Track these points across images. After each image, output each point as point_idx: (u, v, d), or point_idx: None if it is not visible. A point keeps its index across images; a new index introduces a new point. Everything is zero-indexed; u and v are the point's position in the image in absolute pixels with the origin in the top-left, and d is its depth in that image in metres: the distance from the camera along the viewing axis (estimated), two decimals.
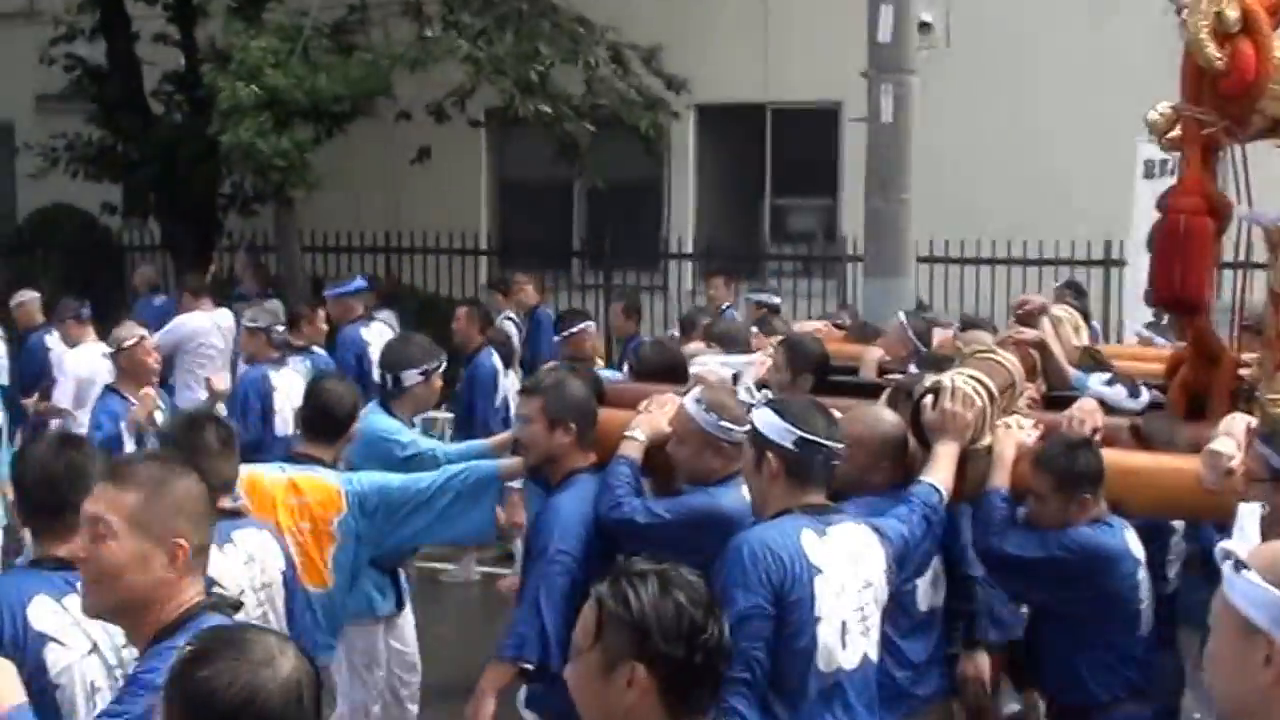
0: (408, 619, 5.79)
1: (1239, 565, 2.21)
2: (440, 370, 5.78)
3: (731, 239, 16.90)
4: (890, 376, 5.75)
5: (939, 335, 6.72)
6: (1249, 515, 2.26)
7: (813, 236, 17.36)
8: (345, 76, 13.19)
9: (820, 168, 16.78)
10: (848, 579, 3.75)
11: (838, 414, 4.47)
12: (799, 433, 3.78)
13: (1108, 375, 5.48)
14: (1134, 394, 5.33)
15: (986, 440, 4.51)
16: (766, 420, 3.85)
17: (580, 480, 4.49)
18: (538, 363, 10.46)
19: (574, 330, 7.46)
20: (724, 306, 10.57)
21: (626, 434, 4.57)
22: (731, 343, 6.65)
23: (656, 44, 14.59)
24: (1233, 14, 4.81)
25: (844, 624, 3.72)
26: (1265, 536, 4.26)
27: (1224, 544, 2.28)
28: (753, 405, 4.06)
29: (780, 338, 6.10)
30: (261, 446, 7.42)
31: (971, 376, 4.55)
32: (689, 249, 16.19)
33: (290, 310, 9.40)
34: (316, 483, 4.66)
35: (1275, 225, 5.28)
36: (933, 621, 4.49)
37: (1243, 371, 5.56)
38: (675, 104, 15.29)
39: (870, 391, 5.29)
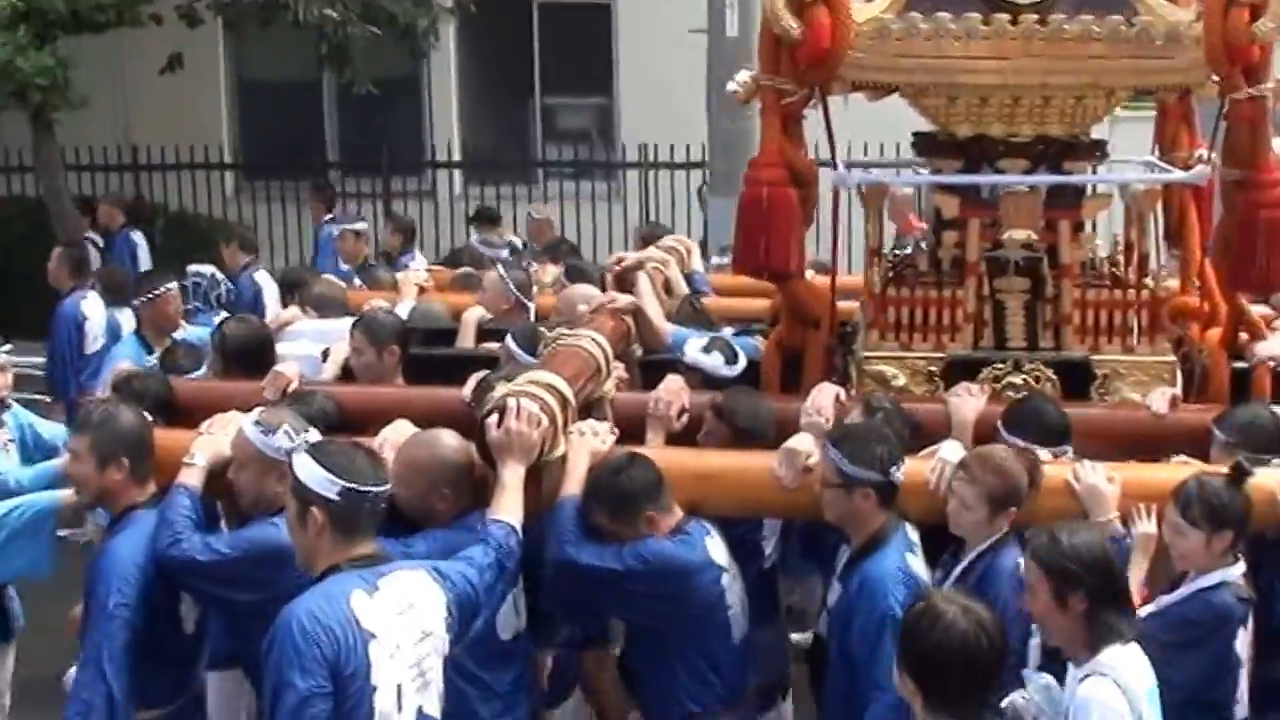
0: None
1: None
2: None
3: (500, 141, 16.87)
4: (487, 346, 5.80)
5: (551, 273, 6.74)
6: None
7: (588, 137, 17.45)
8: None
9: (593, 65, 16.80)
10: (402, 637, 3.70)
11: (406, 428, 4.55)
12: (342, 483, 3.67)
13: (705, 340, 5.53)
14: (731, 360, 5.41)
15: (560, 450, 4.49)
16: (308, 470, 3.71)
17: (138, 517, 4.39)
18: None
19: (155, 294, 7.06)
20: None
21: (185, 460, 4.47)
22: (328, 307, 6.51)
23: None
24: None
25: (399, 686, 3.67)
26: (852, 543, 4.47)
27: None
28: (294, 449, 3.95)
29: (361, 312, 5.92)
30: None
31: (542, 385, 4.52)
32: (455, 154, 16.11)
33: None
34: None
35: (865, 185, 5.55)
36: (516, 649, 4.45)
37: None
38: None
39: (464, 364, 5.30)
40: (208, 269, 8.84)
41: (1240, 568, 4.32)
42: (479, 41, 16.34)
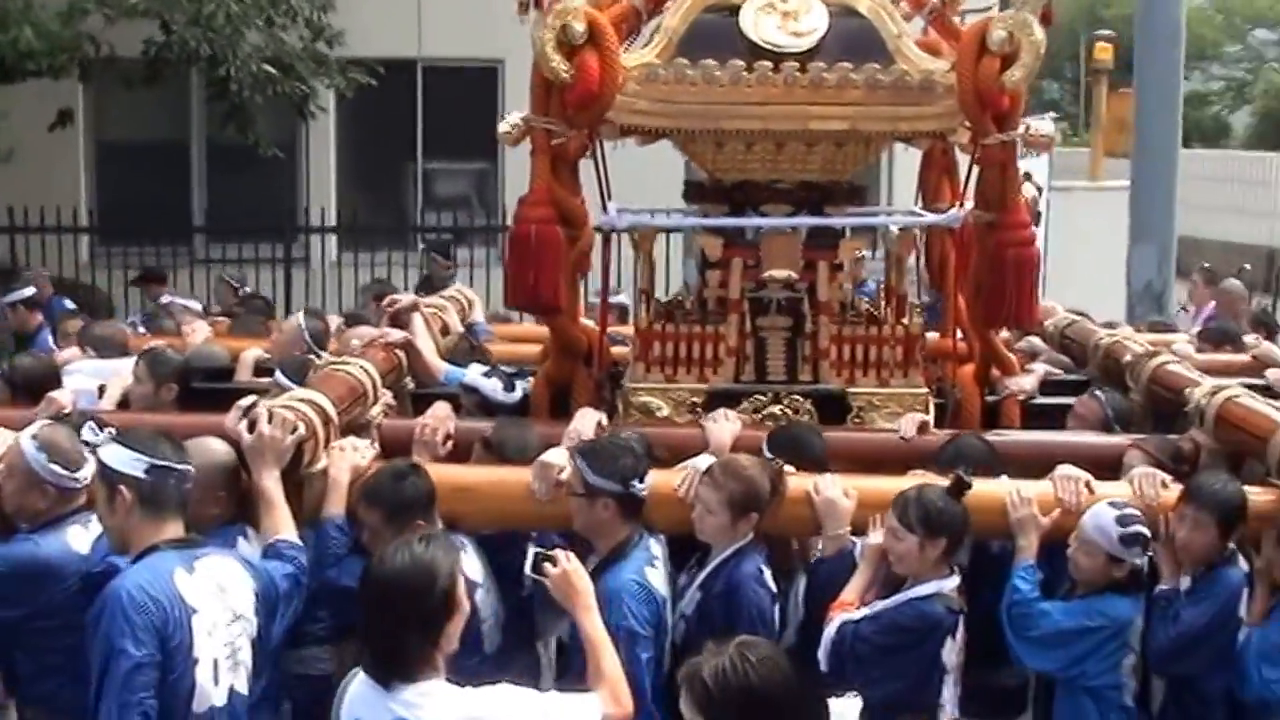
0: None
1: None
2: None
3: (379, 206, 17.35)
4: (265, 380, 6.22)
5: (334, 323, 7.34)
6: None
7: (469, 202, 18.04)
8: (39, 28, 12.40)
9: (478, 129, 17.31)
10: (218, 615, 4.16)
11: None
12: (149, 460, 4.16)
13: (487, 367, 6.07)
14: (509, 388, 5.93)
15: (322, 463, 4.97)
16: (114, 454, 4.20)
17: None
18: None
19: None
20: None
21: None
22: (107, 346, 7.08)
23: None
24: (578, 26, 5.41)
25: (215, 661, 4.11)
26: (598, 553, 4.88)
27: None
28: (98, 444, 4.37)
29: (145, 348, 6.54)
30: None
31: (300, 399, 5.00)
32: (331, 218, 16.55)
33: None
34: None
35: (635, 228, 6.13)
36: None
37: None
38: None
39: (239, 396, 5.53)
40: None
41: (954, 580, 4.83)
42: (360, 104, 16.60)
